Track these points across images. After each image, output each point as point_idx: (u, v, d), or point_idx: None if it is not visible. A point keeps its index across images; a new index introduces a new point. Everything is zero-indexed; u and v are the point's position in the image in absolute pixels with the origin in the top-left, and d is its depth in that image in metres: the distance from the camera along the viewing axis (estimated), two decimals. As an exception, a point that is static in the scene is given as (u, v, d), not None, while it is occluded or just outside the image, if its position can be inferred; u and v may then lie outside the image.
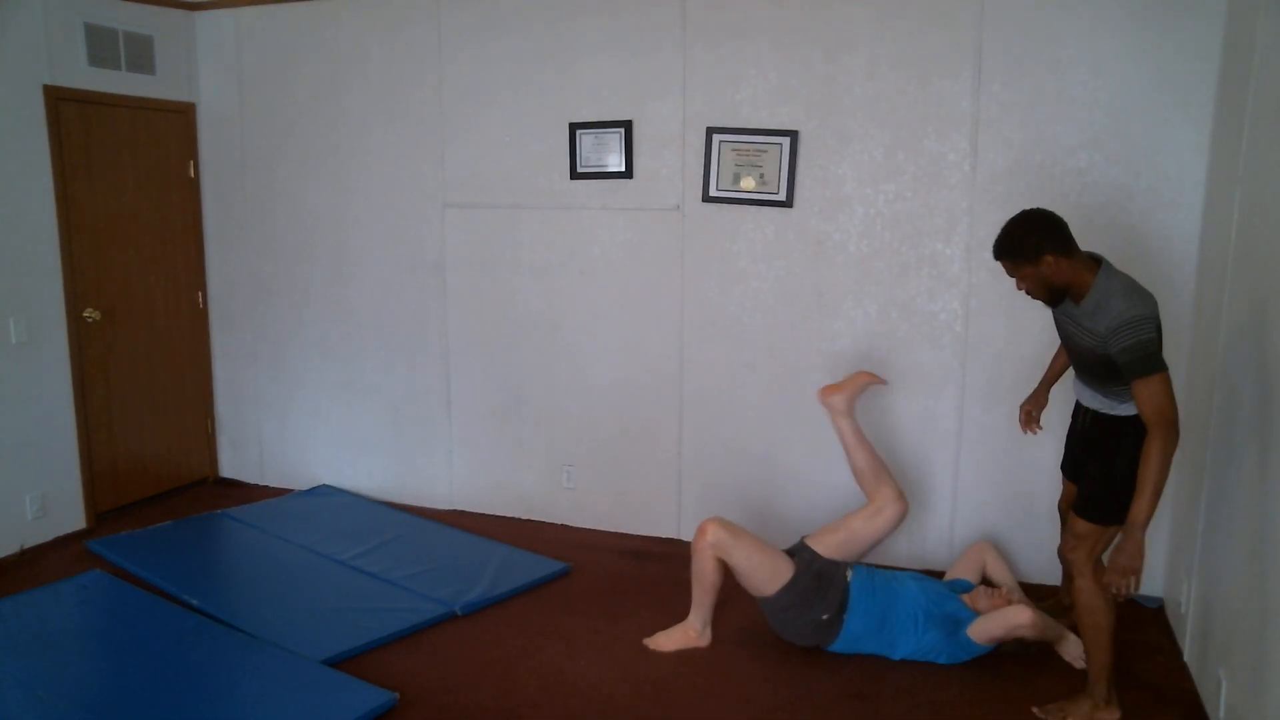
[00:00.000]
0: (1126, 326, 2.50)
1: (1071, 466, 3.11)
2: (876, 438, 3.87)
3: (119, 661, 3.14)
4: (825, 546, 3.22)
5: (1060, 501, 3.26)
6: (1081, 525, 2.76)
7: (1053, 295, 2.70)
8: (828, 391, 3.41)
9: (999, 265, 3.61)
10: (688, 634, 3.24)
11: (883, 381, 3.44)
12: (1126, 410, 2.69)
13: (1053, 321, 2.89)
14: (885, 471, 3.34)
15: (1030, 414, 3.33)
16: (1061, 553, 3.05)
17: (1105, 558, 2.76)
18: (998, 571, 3.38)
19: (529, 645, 3.27)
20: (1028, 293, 2.74)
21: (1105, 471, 2.72)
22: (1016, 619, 2.93)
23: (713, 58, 3.91)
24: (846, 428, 3.38)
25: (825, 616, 3.10)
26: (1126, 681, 3.01)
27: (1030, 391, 3.36)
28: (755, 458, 4.09)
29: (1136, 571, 2.56)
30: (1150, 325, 2.51)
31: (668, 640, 3.25)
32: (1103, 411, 2.79)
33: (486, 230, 4.41)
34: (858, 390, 3.40)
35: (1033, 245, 2.62)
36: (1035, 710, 2.85)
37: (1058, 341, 3.11)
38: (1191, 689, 2.95)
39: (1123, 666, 3.10)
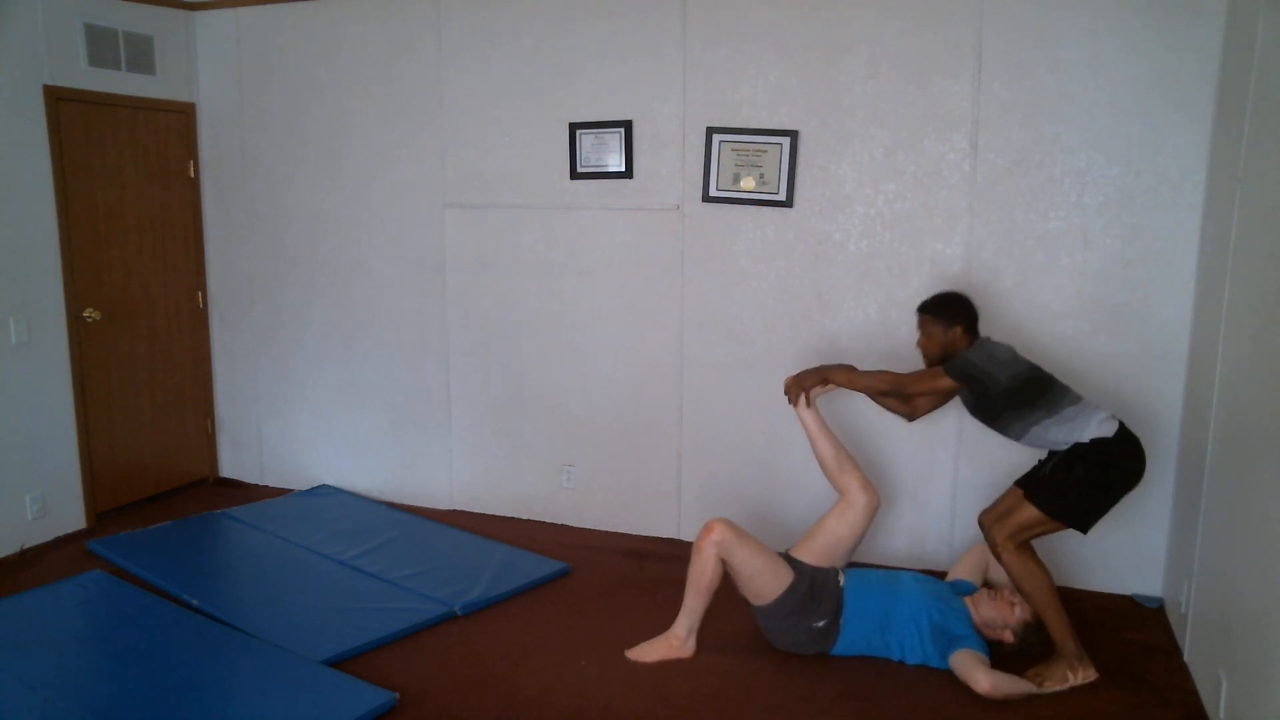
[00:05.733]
0: (971, 350, 3.11)
1: (1026, 477, 3.19)
2: (876, 437, 3.87)
3: (119, 661, 3.14)
4: (810, 554, 3.18)
5: (981, 514, 3.28)
6: (1026, 512, 2.99)
7: (942, 358, 3.18)
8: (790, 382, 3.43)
9: (999, 266, 3.64)
10: (670, 644, 3.15)
11: (833, 388, 3.43)
12: (1075, 437, 2.95)
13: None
14: (850, 461, 3.34)
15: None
16: (982, 523, 3.25)
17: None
18: (999, 574, 3.37)
19: (529, 645, 3.27)
20: (923, 351, 3.25)
21: (1064, 475, 2.97)
22: (973, 685, 2.87)
23: (713, 58, 3.91)
24: (809, 419, 3.40)
25: (821, 624, 3.07)
26: (1126, 681, 3.01)
27: None
28: (755, 458, 4.09)
29: (805, 389, 3.36)
30: (958, 366, 3.05)
31: (650, 651, 3.16)
32: (1058, 450, 3.01)
33: (486, 230, 4.41)
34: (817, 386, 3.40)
35: (953, 314, 3.19)
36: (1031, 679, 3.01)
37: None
38: (1191, 689, 2.95)
39: (1123, 666, 3.10)
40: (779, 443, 4.03)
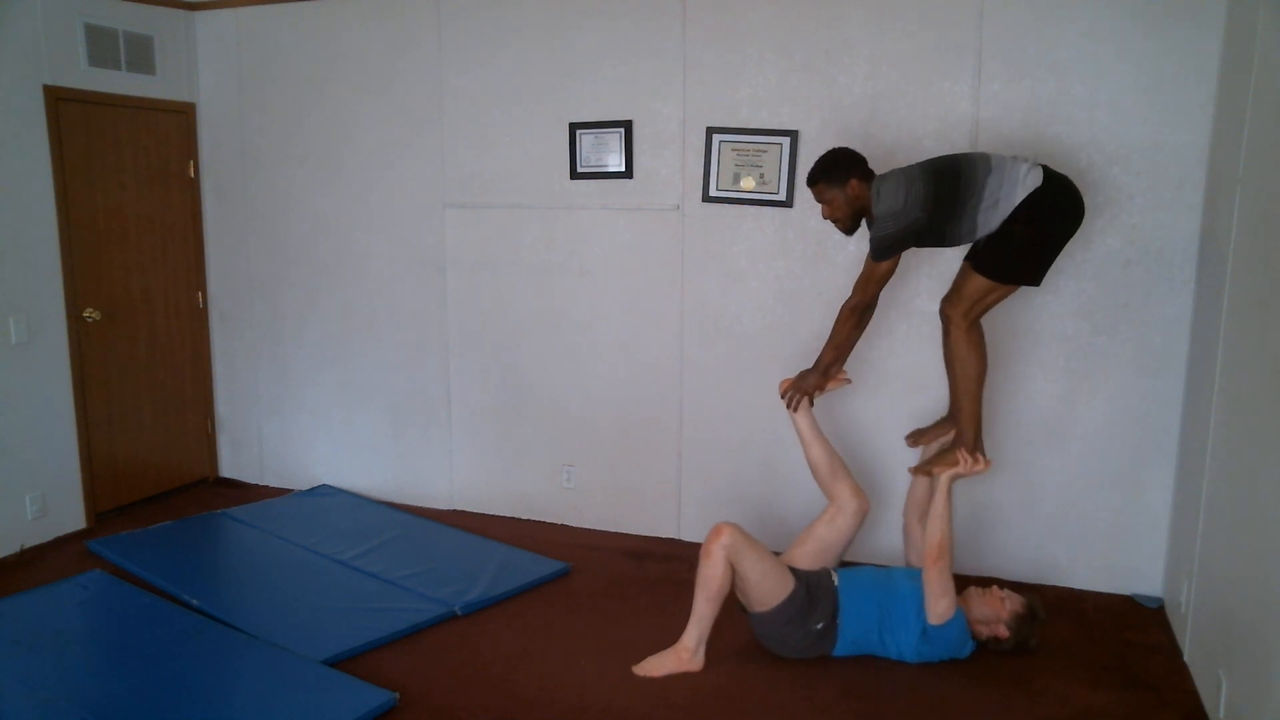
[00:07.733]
0: (878, 221, 3.02)
1: (972, 249, 3.15)
2: (874, 438, 3.87)
3: (119, 661, 3.14)
4: (800, 561, 3.17)
5: (940, 304, 3.28)
6: (972, 283, 3.00)
7: (854, 218, 3.16)
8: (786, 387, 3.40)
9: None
10: (680, 657, 3.08)
11: (847, 381, 3.46)
12: (1013, 200, 2.88)
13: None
14: (842, 468, 3.31)
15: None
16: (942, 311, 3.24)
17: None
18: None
19: (529, 645, 3.28)
20: (833, 220, 3.18)
21: (1005, 238, 2.93)
22: (932, 583, 2.97)
23: (713, 58, 3.91)
24: (805, 423, 3.34)
25: (820, 625, 3.06)
26: (1126, 681, 3.01)
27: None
28: (755, 458, 4.09)
29: (807, 392, 3.30)
30: (887, 223, 2.97)
31: (658, 665, 3.08)
32: (991, 232, 2.95)
33: (486, 230, 4.41)
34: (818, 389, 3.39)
35: (842, 170, 3.11)
36: (909, 469, 3.31)
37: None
38: (1191, 689, 2.95)
39: (1123, 666, 3.11)
40: (779, 442, 4.03)
